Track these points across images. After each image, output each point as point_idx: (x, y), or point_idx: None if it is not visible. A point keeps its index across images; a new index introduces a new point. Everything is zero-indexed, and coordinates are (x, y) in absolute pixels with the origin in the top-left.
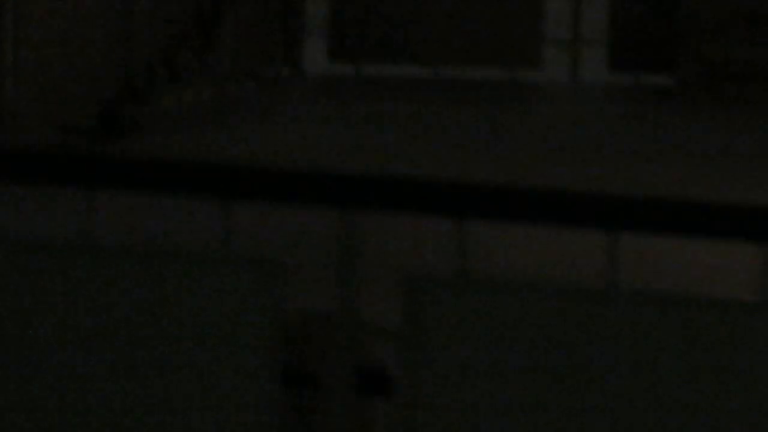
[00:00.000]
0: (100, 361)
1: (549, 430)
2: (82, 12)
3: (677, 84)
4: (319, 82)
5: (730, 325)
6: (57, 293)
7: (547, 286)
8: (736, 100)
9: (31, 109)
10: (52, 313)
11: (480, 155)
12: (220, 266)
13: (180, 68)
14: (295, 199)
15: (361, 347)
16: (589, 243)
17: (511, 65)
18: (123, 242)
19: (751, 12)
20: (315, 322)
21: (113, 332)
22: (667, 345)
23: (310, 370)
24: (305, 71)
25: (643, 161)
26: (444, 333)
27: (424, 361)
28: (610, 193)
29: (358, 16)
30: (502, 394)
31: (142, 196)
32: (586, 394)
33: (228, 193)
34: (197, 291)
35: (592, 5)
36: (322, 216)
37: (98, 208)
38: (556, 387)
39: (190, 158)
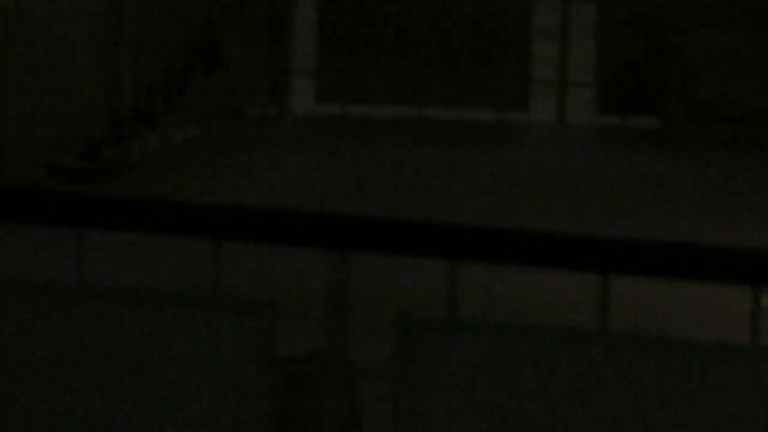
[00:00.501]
0: (89, 402)
1: None
2: (68, 51)
3: (664, 126)
4: (306, 123)
5: (720, 368)
6: (46, 333)
7: (539, 328)
8: (723, 142)
9: (16, 148)
10: (40, 352)
11: (467, 196)
12: (209, 307)
13: (165, 108)
14: (285, 240)
15: (351, 389)
16: (580, 285)
17: (498, 106)
18: (113, 282)
19: (736, 54)
20: (305, 364)
21: (103, 373)
22: (659, 387)
23: (300, 414)
24: (292, 111)
25: (632, 202)
26: (435, 375)
27: (415, 403)
28: (600, 236)
29: (346, 56)
30: None
31: (131, 236)
32: None
33: (218, 233)
34: (187, 331)
35: (580, 47)
36: (312, 257)
37: (88, 247)
38: (548, 429)
39: (178, 198)
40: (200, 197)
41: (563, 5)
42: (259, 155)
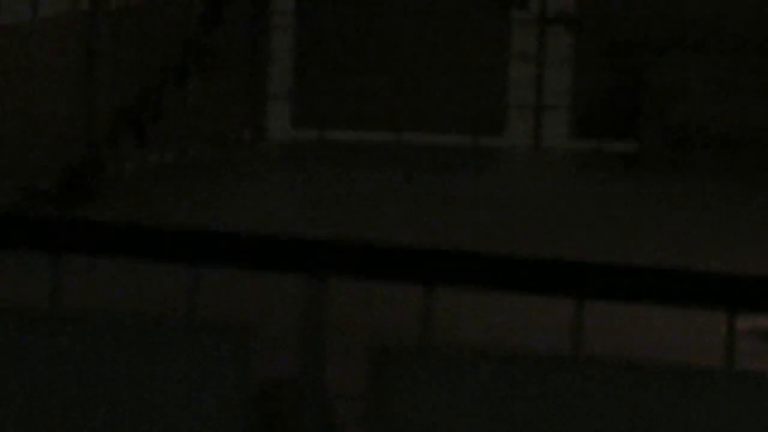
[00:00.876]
0: (64, 427)
1: None
2: (45, 76)
3: (640, 150)
4: (282, 148)
5: (696, 393)
6: (21, 358)
7: (514, 353)
8: (699, 166)
9: None
10: (15, 377)
11: (443, 221)
12: (185, 332)
13: (143, 132)
14: (261, 265)
15: (327, 415)
16: (555, 310)
17: (474, 131)
18: (88, 306)
19: (713, 78)
20: (280, 389)
21: (77, 398)
22: (633, 412)
23: None
24: (269, 137)
25: (606, 228)
26: (410, 402)
27: (390, 429)
28: (575, 261)
29: (322, 80)
30: None
31: (107, 260)
32: None
33: (194, 257)
34: (161, 356)
35: (556, 71)
36: (288, 282)
37: (63, 272)
38: None
39: (154, 223)
40: (176, 222)
41: (539, 30)
42: (235, 180)
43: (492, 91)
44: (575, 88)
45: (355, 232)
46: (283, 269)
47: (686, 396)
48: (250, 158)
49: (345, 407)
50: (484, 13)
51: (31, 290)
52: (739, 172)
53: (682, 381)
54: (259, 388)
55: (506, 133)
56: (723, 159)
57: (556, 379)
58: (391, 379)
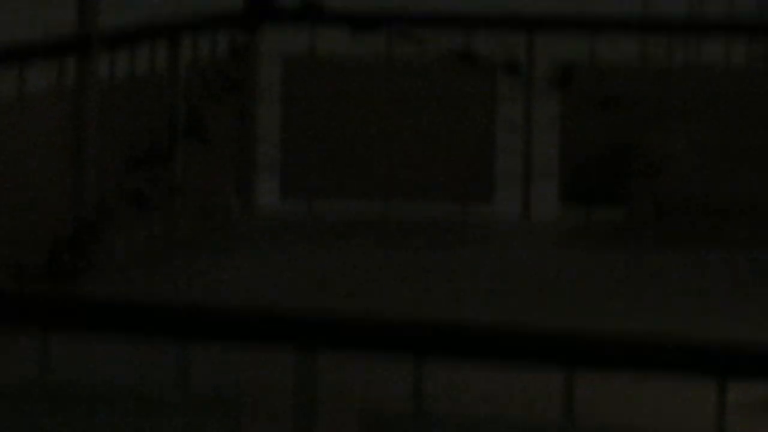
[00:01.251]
0: None
1: None
2: (31, 149)
3: (630, 218)
4: (270, 219)
5: None
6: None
7: (503, 422)
8: (688, 235)
9: None
10: None
11: (432, 291)
12: (177, 405)
13: (130, 206)
14: (250, 339)
15: None
16: (545, 380)
17: (462, 200)
18: (78, 382)
19: (703, 146)
20: None
21: None
22: None
23: None
24: (257, 208)
25: (596, 296)
26: None
27: None
28: (564, 330)
29: (309, 152)
30: None
31: (97, 336)
32: None
33: (184, 332)
34: (155, 430)
35: (543, 139)
36: (280, 353)
37: (52, 348)
38: None
39: (142, 298)
40: (165, 297)
41: (526, 96)
42: (224, 252)
43: (480, 159)
44: (563, 156)
45: (345, 303)
46: (272, 343)
47: None
48: (238, 230)
49: None
50: (471, 80)
51: (20, 368)
52: (728, 241)
53: None
54: None
55: (495, 201)
56: (712, 227)
57: None
58: None
